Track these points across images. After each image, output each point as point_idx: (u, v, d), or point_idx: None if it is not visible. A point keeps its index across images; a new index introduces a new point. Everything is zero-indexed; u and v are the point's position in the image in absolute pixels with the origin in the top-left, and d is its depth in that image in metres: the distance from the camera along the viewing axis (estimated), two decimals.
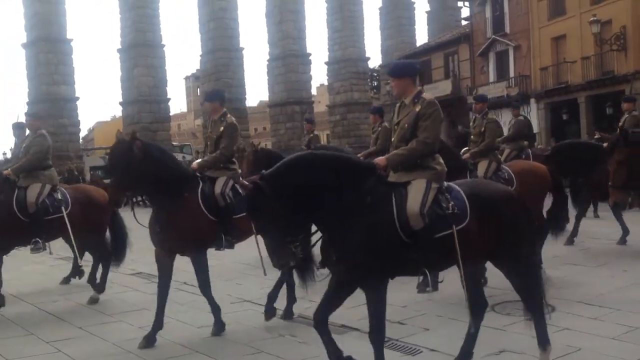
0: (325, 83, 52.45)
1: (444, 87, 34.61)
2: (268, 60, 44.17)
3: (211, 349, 5.41)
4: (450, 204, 4.25)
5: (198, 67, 47.00)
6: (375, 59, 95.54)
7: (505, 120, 30.33)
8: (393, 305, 6.57)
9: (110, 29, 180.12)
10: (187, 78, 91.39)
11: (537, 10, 28.53)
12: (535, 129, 28.62)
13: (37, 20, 34.94)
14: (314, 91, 51.28)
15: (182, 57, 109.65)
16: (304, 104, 43.67)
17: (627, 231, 9.31)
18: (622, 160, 4.76)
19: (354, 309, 6.58)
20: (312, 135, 12.13)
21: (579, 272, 7.84)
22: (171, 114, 42.89)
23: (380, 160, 4.36)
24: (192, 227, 5.75)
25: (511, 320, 5.79)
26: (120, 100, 39.12)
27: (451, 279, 7.62)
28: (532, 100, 28.87)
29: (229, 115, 6.41)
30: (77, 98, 36.97)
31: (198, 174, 6.17)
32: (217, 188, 6.09)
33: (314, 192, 4.06)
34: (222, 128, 6.31)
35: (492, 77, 31.54)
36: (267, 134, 52.12)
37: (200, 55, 42.18)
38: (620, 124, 10.75)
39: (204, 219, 5.89)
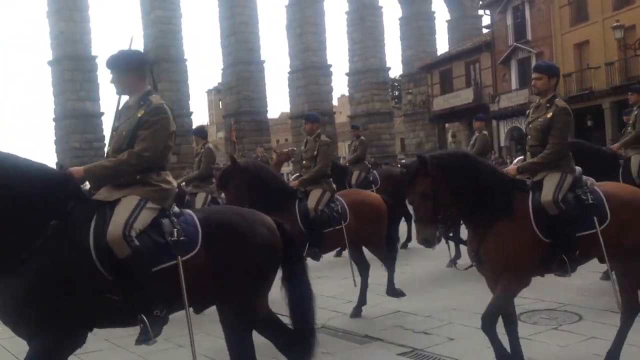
0: (346, 94, 52.54)
1: (465, 96, 34.47)
2: (289, 73, 44.44)
3: None
4: (175, 230, 3.49)
5: (220, 81, 47.45)
6: (396, 68, 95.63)
7: None
8: (417, 315, 6.57)
9: (134, 44, 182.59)
10: (209, 91, 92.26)
11: (559, 17, 28.33)
12: None
13: (63, 38, 35.66)
14: (335, 102, 51.40)
15: (204, 70, 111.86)
16: (326, 115, 43.77)
17: (458, 255, 8.65)
18: (425, 192, 4.13)
19: (376, 319, 6.58)
20: None
21: (605, 280, 7.72)
22: (194, 127, 43.34)
23: (76, 170, 3.44)
24: None
25: (537, 329, 5.71)
26: None
27: (473, 288, 7.56)
28: None
29: None
30: (102, 113, 37.58)
31: None
32: None
33: None
34: None
35: (514, 84, 31.33)
36: (289, 145, 52.27)
37: (222, 69, 42.63)
38: (472, 142, 10.23)
39: None
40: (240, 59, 40.70)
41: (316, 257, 6.73)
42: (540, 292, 7.06)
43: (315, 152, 7.06)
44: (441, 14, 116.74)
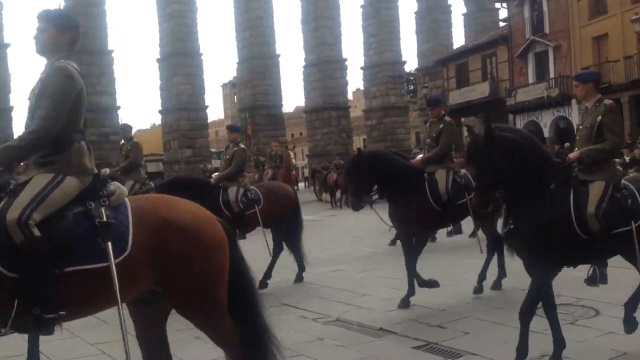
0: (362, 87, 52.42)
1: (482, 90, 34.25)
2: (304, 67, 44.41)
3: None
4: None
5: (235, 75, 47.54)
6: (411, 62, 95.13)
7: (546, 121, 30.04)
8: (432, 309, 6.56)
9: (149, 39, 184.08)
10: (224, 85, 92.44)
11: (577, 10, 27.99)
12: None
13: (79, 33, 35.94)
14: (350, 96, 51.33)
15: (219, 65, 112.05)
16: (341, 109, 43.75)
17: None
18: None
19: (391, 312, 6.58)
20: None
21: (623, 274, 7.62)
22: (209, 121, 43.50)
23: None
24: None
25: None
26: (160, 108, 39.88)
27: (490, 282, 7.53)
28: (574, 101, 28.28)
29: None
30: (119, 107, 37.86)
31: None
32: None
33: None
34: None
35: (531, 78, 31.04)
36: (304, 139, 52.33)
37: (237, 63, 42.69)
38: (228, 157, 8.73)
39: None
40: (256, 53, 40.76)
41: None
42: (557, 286, 6.99)
43: None
44: (457, 8, 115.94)
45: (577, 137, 4.91)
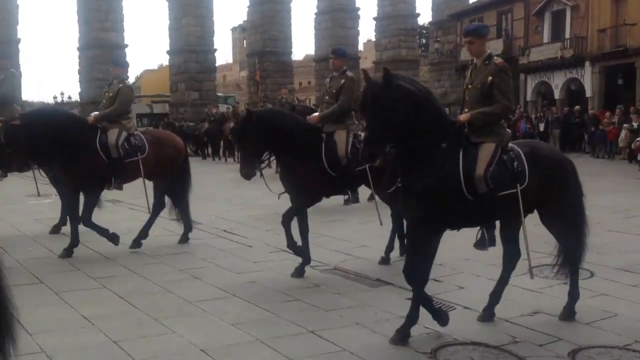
0: (373, 39, 51.55)
1: (495, 47, 33.59)
2: (315, 14, 43.59)
3: (248, 294, 5.56)
4: None
5: (245, 19, 46.75)
6: (425, 15, 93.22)
7: (558, 83, 29.66)
8: None
9: None
10: (233, 29, 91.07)
11: None
12: (588, 93, 27.77)
13: None
14: (360, 47, 50.54)
15: (230, 8, 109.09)
16: (351, 59, 43.07)
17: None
18: None
19: (388, 264, 6.68)
20: None
21: (622, 239, 7.71)
22: (217, 64, 43.04)
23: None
24: None
25: (548, 283, 5.76)
26: (168, 49, 39.42)
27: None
28: (587, 63, 27.85)
29: None
30: (126, 45, 37.42)
31: None
32: None
33: None
34: None
35: (546, 37, 30.45)
36: (312, 88, 51.83)
37: (248, 7, 41.92)
38: (112, 94, 7.57)
39: None
40: None
41: None
42: (553, 246, 7.09)
43: None
44: None
45: (467, 98, 4.70)
